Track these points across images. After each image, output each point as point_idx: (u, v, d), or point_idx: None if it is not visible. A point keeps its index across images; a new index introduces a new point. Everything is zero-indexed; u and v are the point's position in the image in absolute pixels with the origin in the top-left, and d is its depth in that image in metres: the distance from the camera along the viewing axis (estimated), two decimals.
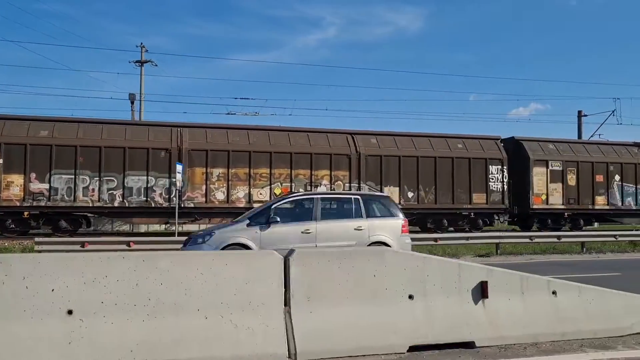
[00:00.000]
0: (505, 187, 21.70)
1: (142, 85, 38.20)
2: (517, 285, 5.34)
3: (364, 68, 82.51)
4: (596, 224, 27.48)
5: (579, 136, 38.93)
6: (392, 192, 19.82)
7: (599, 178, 23.07)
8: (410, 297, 5.00)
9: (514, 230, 23.76)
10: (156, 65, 39.38)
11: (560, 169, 22.48)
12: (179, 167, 15.04)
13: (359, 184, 19.81)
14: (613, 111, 37.67)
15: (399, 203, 19.75)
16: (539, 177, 22.13)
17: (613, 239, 18.86)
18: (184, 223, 19.31)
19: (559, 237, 18.20)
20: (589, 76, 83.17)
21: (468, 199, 21.29)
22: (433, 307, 5.03)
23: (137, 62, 38.69)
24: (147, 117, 36.26)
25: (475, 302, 5.16)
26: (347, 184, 19.72)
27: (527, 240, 17.96)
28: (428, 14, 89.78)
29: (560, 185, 22.51)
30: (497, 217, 23.45)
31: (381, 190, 19.78)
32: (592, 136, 38.23)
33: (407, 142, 21.30)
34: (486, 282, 5.19)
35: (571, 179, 22.44)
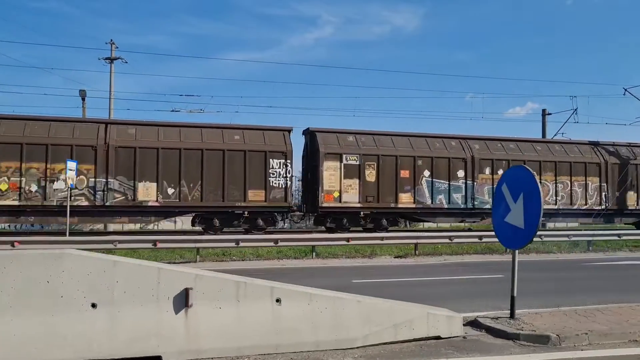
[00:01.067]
0: (289, 183, 19.40)
1: (111, 82, 37.41)
2: (233, 293, 4.84)
3: (360, 68, 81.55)
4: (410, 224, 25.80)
5: (543, 135, 38.28)
6: (148, 188, 17.98)
7: (405, 173, 20.56)
8: (94, 305, 4.50)
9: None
10: (126, 62, 38.61)
11: (357, 163, 20.02)
12: (70, 164, 14.50)
13: (107, 178, 17.73)
14: (575, 109, 36.96)
15: (156, 200, 17.99)
16: (330, 172, 19.61)
17: (538, 239, 18.47)
18: None
19: (480, 237, 17.77)
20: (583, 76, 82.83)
21: (242, 196, 19.02)
22: (121, 317, 4.53)
23: (106, 59, 38.04)
24: (117, 115, 35.63)
25: (176, 312, 4.66)
26: (93, 179, 17.64)
27: (447, 240, 17.52)
28: (424, 13, 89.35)
29: (357, 181, 19.98)
30: (280, 217, 20.69)
31: (134, 187, 17.94)
32: (555, 135, 37.51)
33: (172, 134, 18.90)
34: (190, 289, 4.69)
35: (370, 175, 20.11)
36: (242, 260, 15.39)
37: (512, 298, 5.94)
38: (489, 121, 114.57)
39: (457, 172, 21.28)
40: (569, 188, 22.54)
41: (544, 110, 39.93)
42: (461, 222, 22.51)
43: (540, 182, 21.70)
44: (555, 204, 22.17)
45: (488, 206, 20.85)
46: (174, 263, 14.60)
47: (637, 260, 15.91)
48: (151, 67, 77.85)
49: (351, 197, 19.96)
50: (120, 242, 14.71)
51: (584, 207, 22.75)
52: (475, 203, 21.41)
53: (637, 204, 23.52)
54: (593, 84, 71.04)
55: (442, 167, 21.14)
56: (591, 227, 23.44)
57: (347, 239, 16.52)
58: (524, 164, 20.91)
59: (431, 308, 5.47)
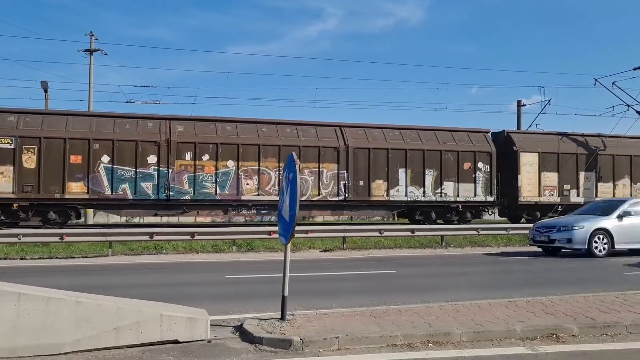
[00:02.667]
0: None
1: (91, 74, 37.06)
2: None
3: (364, 61, 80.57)
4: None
5: (518, 127, 37.67)
6: None
7: (76, 159, 17.55)
8: None
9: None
10: (106, 54, 38.17)
11: (12, 147, 17.03)
12: None
13: None
14: (549, 100, 36.29)
15: None
16: None
17: (475, 232, 18.03)
18: None
19: (412, 230, 17.32)
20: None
21: None
22: None
23: (86, 50, 37.64)
24: (96, 107, 35.25)
25: None
26: None
27: (377, 233, 17.10)
28: (429, 5, 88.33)
29: (11, 167, 17.03)
30: None
31: None
32: (529, 127, 36.82)
33: None
34: None
35: (30, 160, 17.16)
36: (158, 254, 15.03)
37: (283, 298, 5.47)
38: (491, 114, 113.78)
39: (148, 158, 18.26)
40: None
41: (519, 102, 39.36)
42: (155, 215, 19.69)
43: (259, 170, 19.08)
44: (278, 194, 19.03)
45: (189, 197, 18.55)
46: (85, 257, 14.27)
47: None
48: (155, 60, 77.55)
49: (3, 186, 17.14)
50: (24, 235, 14.36)
51: (316, 198, 19.51)
52: (171, 193, 18.35)
53: (387, 195, 20.05)
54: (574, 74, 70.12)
55: (128, 152, 18.08)
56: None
57: (269, 232, 16.10)
58: (238, 147, 18.79)
59: (169, 309, 5.02)
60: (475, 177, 20.98)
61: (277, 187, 18.81)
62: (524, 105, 39.68)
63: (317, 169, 19.54)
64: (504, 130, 22.86)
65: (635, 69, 28.23)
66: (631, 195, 22.37)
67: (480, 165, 21.04)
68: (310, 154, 19.43)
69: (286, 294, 5.48)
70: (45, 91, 34.43)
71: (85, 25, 78.37)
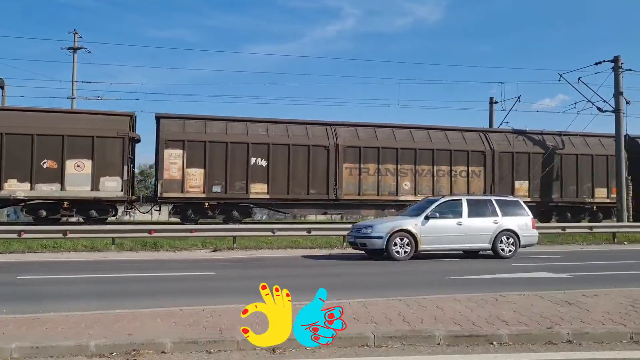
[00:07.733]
0: None
1: (74, 72, 37.02)
2: None
3: (382, 60, 79.74)
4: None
5: (490, 124, 36.75)
6: None
7: None
8: None
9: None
10: (89, 52, 38.06)
11: None
12: None
13: None
14: (519, 97, 35.26)
15: None
16: None
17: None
18: None
19: (308, 230, 16.65)
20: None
21: None
22: None
23: (69, 49, 37.53)
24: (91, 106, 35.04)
25: None
26: None
27: (270, 233, 16.47)
28: (447, 4, 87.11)
29: None
30: None
31: None
32: (500, 124, 35.82)
33: None
34: None
35: None
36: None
37: None
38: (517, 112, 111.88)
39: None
40: None
41: (491, 99, 38.50)
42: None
43: None
44: None
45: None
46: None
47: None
48: (175, 61, 77.89)
49: None
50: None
51: None
52: None
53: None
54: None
55: None
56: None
57: (150, 231, 15.53)
58: None
59: None
60: None
61: None
62: (496, 102, 38.69)
63: None
64: None
65: (597, 63, 27.05)
66: None
67: None
68: None
69: None
70: (2, 88, 34.09)
71: (108, 26, 78.47)
